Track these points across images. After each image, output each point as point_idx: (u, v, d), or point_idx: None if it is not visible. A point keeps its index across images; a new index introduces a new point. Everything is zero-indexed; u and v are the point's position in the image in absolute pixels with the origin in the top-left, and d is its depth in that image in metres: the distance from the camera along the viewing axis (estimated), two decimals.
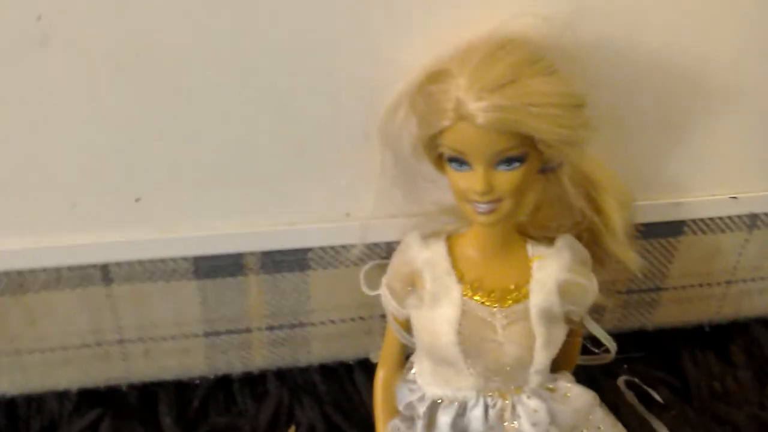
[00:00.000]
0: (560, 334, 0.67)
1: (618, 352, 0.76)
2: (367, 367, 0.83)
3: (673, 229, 0.83)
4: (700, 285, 0.89)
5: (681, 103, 0.75)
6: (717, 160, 0.80)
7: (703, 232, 0.84)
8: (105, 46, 0.63)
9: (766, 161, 0.81)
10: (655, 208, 0.80)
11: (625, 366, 0.90)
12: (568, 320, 0.68)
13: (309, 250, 0.76)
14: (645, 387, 0.88)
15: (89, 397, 0.82)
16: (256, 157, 0.71)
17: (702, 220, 0.83)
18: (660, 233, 0.83)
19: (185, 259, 0.74)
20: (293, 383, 0.85)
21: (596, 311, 0.85)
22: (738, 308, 0.93)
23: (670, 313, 0.91)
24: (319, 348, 0.84)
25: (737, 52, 0.73)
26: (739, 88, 0.76)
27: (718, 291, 0.90)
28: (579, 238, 0.69)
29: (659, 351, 0.93)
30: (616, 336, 0.75)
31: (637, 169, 0.77)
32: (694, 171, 0.80)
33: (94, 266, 0.73)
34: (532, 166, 0.62)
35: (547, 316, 0.65)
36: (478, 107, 0.57)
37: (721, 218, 0.83)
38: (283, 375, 0.86)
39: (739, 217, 0.83)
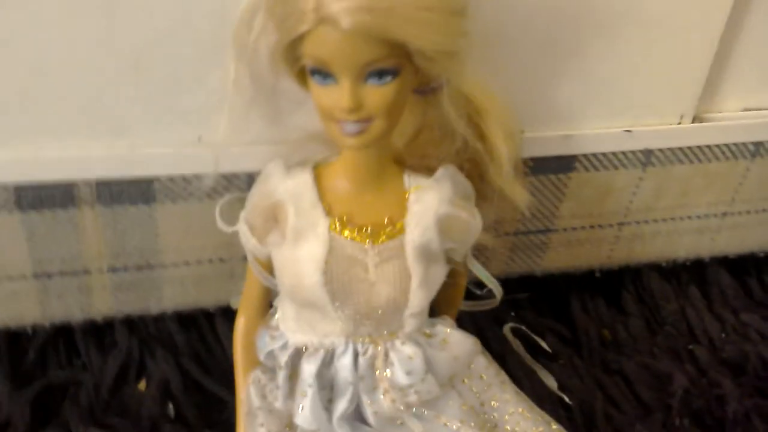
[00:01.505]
0: (439, 273, 0.62)
1: (504, 297, 0.72)
2: (230, 315, 0.76)
3: (563, 164, 0.78)
4: (591, 227, 0.85)
5: (574, 23, 0.71)
6: (611, 89, 0.76)
7: (596, 168, 0.80)
8: None
9: (660, 94, 0.78)
10: (545, 140, 0.76)
11: (512, 313, 0.88)
12: (449, 260, 0.63)
13: (154, 179, 0.68)
14: (532, 335, 0.85)
15: None
16: (80, 69, 0.63)
17: (594, 155, 0.79)
18: (550, 169, 0.79)
19: (4, 187, 0.65)
20: (144, 332, 0.79)
21: (481, 254, 0.80)
22: (630, 253, 0.90)
23: (559, 257, 0.88)
24: (173, 293, 0.77)
25: None
26: (636, 10, 0.71)
27: (610, 234, 0.87)
28: (461, 169, 0.64)
29: (548, 297, 0.90)
30: (503, 281, 0.72)
31: (524, 95, 0.73)
32: (586, 101, 0.76)
33: None
34: (407, 82, 0.55)
35: (425, 254, 0.60)
36: (341, 8, 0.50)
37: (614, 153, 0.79)
38: (132, 323, 0.79)
39: (633, 153, 0.80)
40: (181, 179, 0.68)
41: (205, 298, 0.78)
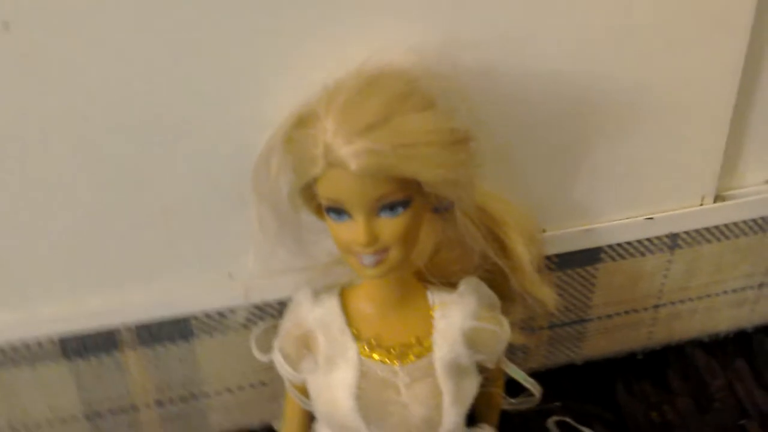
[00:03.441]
0: (471, 386, 0.63)
1: (547, 390, 0.71)
2: None
3: (589, 257, 0.79)
4: (626, 312, 0.85)
5: (580, 125, 0.71)
6: (627, 180, 0.76)
7: (622, 257, 0.80)
8: None
9: (679, 178, 0.78)
10: (568, 236, 0.76)
11: (558, 404, 0.86)
12: (482, 368, 0.64)
13: (191, 316, 0.71)
14: (578, 426, 0.84)
15: None
16: (115, 228, 0.66)
17: (619, 244, 0.79)
18: (576, 262, 0.79)
19: (50, 340, 0.68)
20: None
21: (519, 350, 0.80)
22: (670, 332, 0.89)
23: (598, 344, 0.87)
24: (219, 420, 0.78)
25: (640, 68, 0.70)
26: (643, 99, 0.72)
27: (647, 316, 0.86)
28: (486, 279, 0.65)
29: (591, 385, 0.89)
30: (544, 373, 0.73)
31: (541, 197, 0.73)
32: (604, 194, 0.76)
33: None
34: (419, 210, 0.57)
35: (455, 369, 0.61)
36: (348, 152, 0.52)
37: (639, 241, 0.79)
38: None
39: (659, 238, 0.80)
40: (216, 314, 0.71)
41: (250, 420, 0.79)
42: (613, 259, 0.79)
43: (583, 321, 0.84)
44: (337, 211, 0.55)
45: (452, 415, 0.60)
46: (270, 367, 0.72)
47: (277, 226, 0.64)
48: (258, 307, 0.71)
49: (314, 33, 0.60)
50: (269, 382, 0.76)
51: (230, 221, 0.66)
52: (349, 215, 0.55)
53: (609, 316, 0.84)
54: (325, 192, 0.55)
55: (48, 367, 0.69)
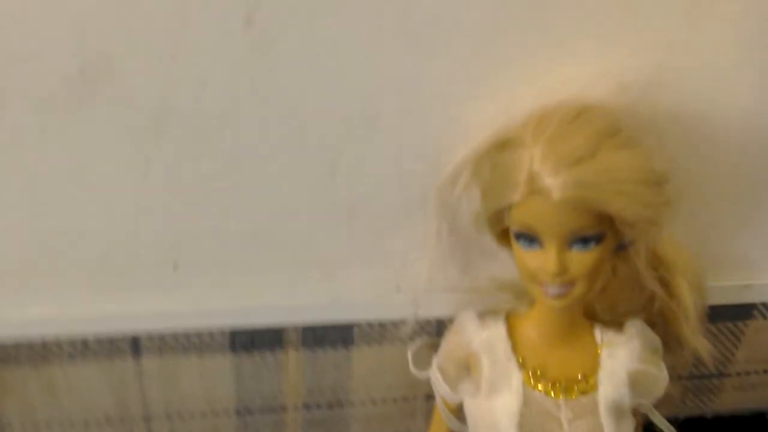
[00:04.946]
0: (629, 428, 0.62)
1: None
2: None
3: (742, 312, 0.78)
4: (765, 371, 0.83)
5: (760, 177, 0.70)
6: None
7: None
8: (147, 107, 0.59)
9: None
10: (725, 290, 0.75)
11: None
12: (635, 412, 0.63)
13: (355, 324, 0.71)
14: None
15: None
16: (302, 222, 0.67)
17: None
18: (728, 316, 0.78)
19: (221, 332, 0.69)
20: None
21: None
22: None
23: (731, 400, 0.86)
24: (358, 430, 0.79)
25: None
26: None
27: None
28: (649, 322, 0.64)
29: None
30: (674, 423, 0.70)
31: (708, 245, 0.73)
32: (767, 249, 0.75)
33: (123, 338, 0.68)
34: (609, 246, 0.57)
35: (617, 410, 0.61)
36: (555, 182, 0.52)
37: None
38: None
39: None
40: (378, 325, 0.71)
41: None
42: (765, 317, 0.78)
43: (722, 375, 0.82)
44: (529, 238, 0.56)
45: None
46: (413, 384, 0.73)
47: (451, 242, 0.65)
48: (417, 323, 0.71)
49: (534, 53, 0.60)
50: (411, 399, 0.77)
51: (407, 232, 0.67)
52: (540, 244, 0.55)
53: (747, 374, 0.83)
54: (521, 218, 0.55)
55: (214, 358, 0.70)
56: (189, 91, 0.59)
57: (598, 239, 0.55)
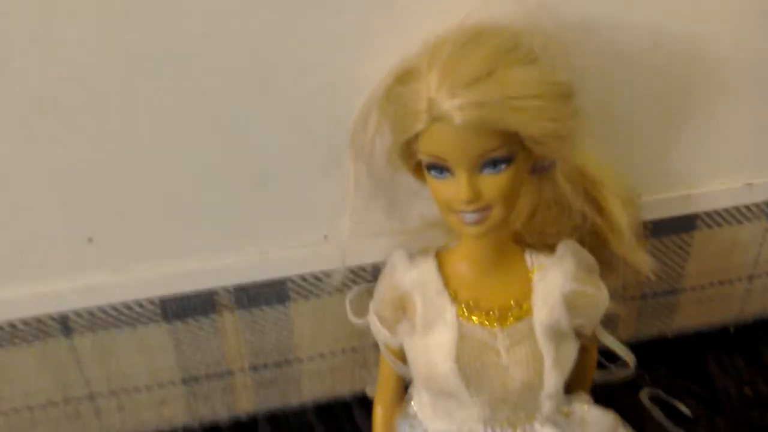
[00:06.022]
0: (571, 351, 0.62)
1: (637, 364, 0.70)
2: (367, 403, 0.77)
3: (685, 224, 0.77)
4: (720, 282, 0.84)
5: (681, 85, 0.70)
6: (726, 145, 0.74)
7: (719, 224, 0.78)
8: (42, 85, 0.58)
9: None
10: (663, 202, 0.75)
11: (647, 378, 0.85)
12: (579, 335, 0.63)
13: (287, 279, 0.71)
14: (670, 399, 0.83)
15: None
16: (214, 191, 0.66)
17: (716, 211, 0.77)
18: (671, 230, 0.77)
19: (151, 301, 0.69)
20: (287, 426, 0.81)
21: (609, 321, 0.79)
22: (764, 305, 0.88)
23: (690, 317, 0.86)
24: (311, 386, 0.79)
25: (742, 27, 0.68)
26: (745, 65, 0.70)
27: (740, 288, 0.85)
28: (582, 242, 0.64)
29: (682, 359, 0.88)
30: (634, 346, 0.70)
31: (637, 162, 0.72)
32: (701, 159, 0.75)
33: (50, 317, 0.68)
34: (521, 167, 0.56)
35: (555, 333, 0.60)
36: (452, 105, 0.52)
37: (736, 208, 0.78)
38: (275, 418, 0.81)
39: (756, 205, 0.78)
40: (312, 277, 0.71)
41: (341, 387, 0.80)
42: (709, 226, 0.78)
43: (676, 291, 0.82)
44: (439, 167, 0.55)
45: (553, 378, 0.59)
46: (361, 334, 0.73)
47: (372, 186, 0.65)
48: (352, 271, 0.71)
49: None
50: (360, 349, 0.77)
51: (326, 182, 0.66)
52: (451, 172, 0.55)
53: (702, 287, 0.83)
54: (427, 148, 0.54)
55: (148, 328, 0.70)
56: (78, 63, 0.58)
57: (508, 160, 0.54)
